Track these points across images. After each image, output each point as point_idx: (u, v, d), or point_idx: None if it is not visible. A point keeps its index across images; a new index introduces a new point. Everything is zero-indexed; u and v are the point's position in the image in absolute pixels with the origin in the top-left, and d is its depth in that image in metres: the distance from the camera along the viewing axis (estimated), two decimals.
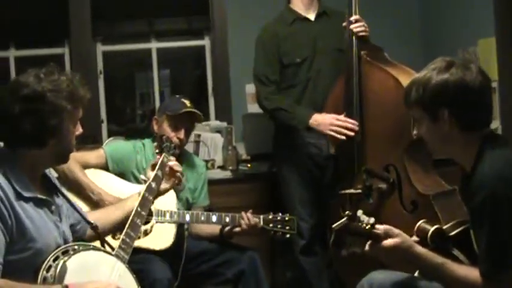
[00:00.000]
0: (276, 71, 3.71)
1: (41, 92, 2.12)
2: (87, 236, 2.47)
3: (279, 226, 3.31)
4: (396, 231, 2.17)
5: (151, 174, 2.66)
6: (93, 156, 3.38)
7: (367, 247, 2.18)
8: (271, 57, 3.71)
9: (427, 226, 2.33)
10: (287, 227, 3.33)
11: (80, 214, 2.44)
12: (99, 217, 2.53)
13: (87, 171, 3.28)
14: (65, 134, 2.20)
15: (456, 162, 2.29)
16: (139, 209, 2.49)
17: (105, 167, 3.37)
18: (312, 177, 3.74)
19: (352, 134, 3.32)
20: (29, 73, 2.18)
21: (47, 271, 2.06)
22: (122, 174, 3.38)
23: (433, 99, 2.17)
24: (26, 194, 2.11)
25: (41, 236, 2.10)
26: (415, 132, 2.31)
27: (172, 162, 2.76)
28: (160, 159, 2.70)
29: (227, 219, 3.28)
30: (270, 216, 3.32)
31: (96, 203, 3.17)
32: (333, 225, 2.16)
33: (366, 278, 2.46)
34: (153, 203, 2.66)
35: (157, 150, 2.81)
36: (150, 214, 3.13)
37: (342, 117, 3.37)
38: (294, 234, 3.41)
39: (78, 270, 2.10)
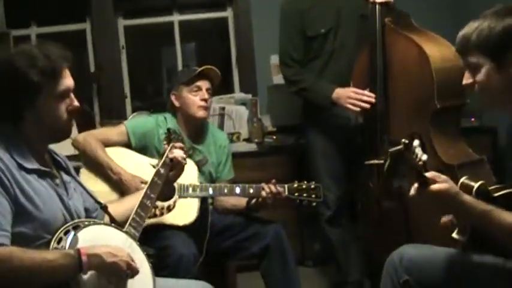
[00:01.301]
0: (298, 47, 3.64)
1: (12, 66, 2.10)
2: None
3: (304, 194, 3.23)
4: (444, 177, 2.10)
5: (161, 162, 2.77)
6: (114, 133, 3.35)
7: (412, 191, 2.09)
8: (292, 32, 3.63)
9: (471, 182, 2.22)
10: (313, 195, 3.24)
11: (89, 194, 2.43)
12: (114, 207, 2.52)
13: (109, 149, 3.26)
14: (42, 109, 2.15)
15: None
16: (148, 192, 2.58)
17: (127, 144, 3.34)
18: (339, 148, 3.68)
19: (367, 106, 3.28)
20: (16, 48, 2.20)
21: (58, 243, 2.06)
22: (144, 149, 3.35)
23: (501, 42, 2.06)
24: (28, 166, 2.10)
25: (45, 206, 2.09)
26: (465, 81, 2.19)
27: (178, 152, 2.80)
28: (168, 148, 2.80)
29: (251, 191, 3.21)
30: (295, 185, 3.24)
31: (115, 182, 3.16)
32: (390, 150, 2.07)
33: (396, 251, 2.43)
34: (165, 185, 2.71)
35: (165, 142, 2.85)
36: (173, 190, 3.11)
37: (359, 90, 3.33)
38: (320, 203, 3.34)
39: (89, 241, 2.09)
